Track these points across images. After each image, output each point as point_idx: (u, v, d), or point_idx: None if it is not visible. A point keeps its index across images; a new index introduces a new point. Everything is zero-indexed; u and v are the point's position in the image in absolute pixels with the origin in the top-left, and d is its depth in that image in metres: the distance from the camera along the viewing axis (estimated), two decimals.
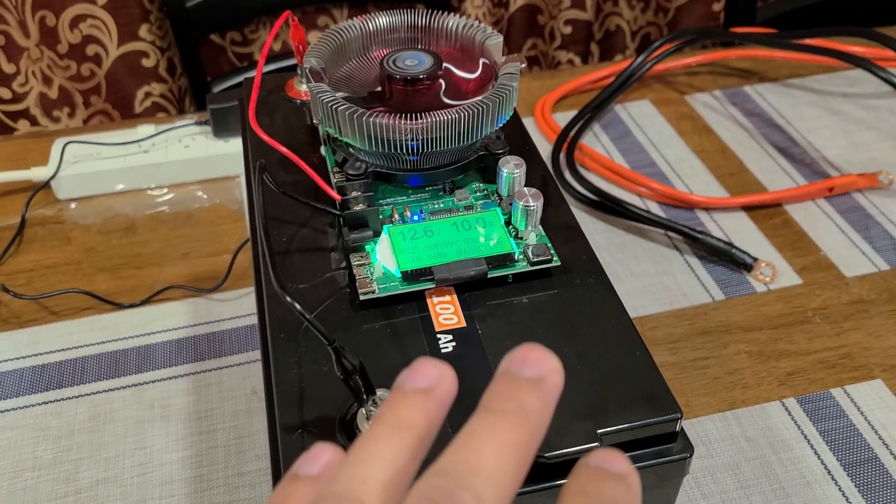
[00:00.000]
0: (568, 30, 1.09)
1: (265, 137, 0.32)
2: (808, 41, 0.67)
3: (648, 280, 0.55)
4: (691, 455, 0.28)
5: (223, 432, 0.46)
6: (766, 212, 0.60)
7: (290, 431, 0.26)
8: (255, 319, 0.52)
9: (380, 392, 0.26)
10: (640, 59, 0.69)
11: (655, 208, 0.60)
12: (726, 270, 0.55)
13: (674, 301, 0.53)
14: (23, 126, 0.94)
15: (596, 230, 0.59)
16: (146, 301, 0.53)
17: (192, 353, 0.51)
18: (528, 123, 0.69)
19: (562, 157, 0.64)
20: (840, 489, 0.43)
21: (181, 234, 0.59)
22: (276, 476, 0.26)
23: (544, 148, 0.66)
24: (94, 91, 0.97)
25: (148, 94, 1.01)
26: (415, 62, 0.33)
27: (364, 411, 0.26)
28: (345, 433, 0.26)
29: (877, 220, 0.59)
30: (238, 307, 0.54)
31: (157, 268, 0.56)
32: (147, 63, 0.98)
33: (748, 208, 0.60)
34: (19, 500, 0.43)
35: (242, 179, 0.64)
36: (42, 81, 0.92)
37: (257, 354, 0.51)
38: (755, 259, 0.55)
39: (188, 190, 0.63)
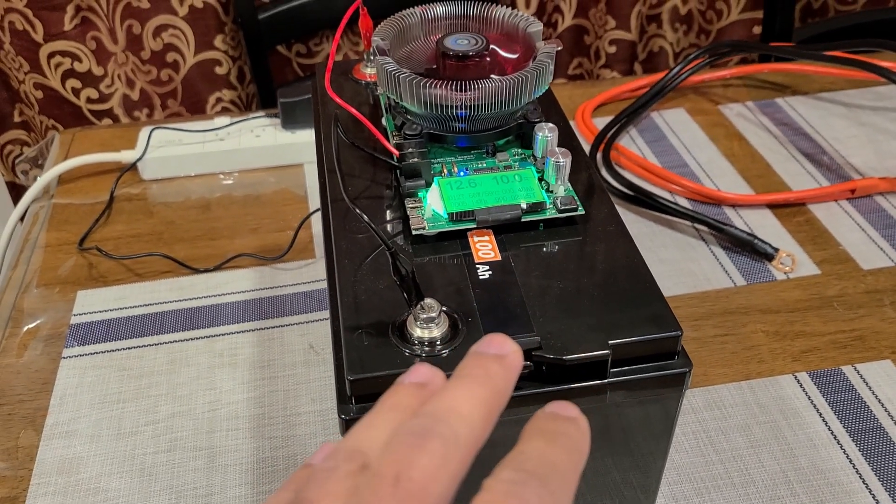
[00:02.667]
0: (612, 49, 1.14)
1: (337, 99, 0.38)
2: (837, 53, 0.71)
3: (675, 266, 0.59)
4: (690, 370, 0.32)
5: (283, 379, 0.52)
6: (790, 210, 0.64)
7: (351, 331, 0.32)
8: (313, 287, 0.58)
9: (427, 300, 0.31)
10: (676, 69, 0.74)
11: (685, 203, 0.65)
12: (749, 260, 0.59)
13: (697, 285, 0.58)
14: (106, 124, 1.03)
15: (628, 221, 0.63)
16: (219, 267, 0.60)
17: (257, 312, 0.57)
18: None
19: (599, 155, 0.69)
20: (845, 452, 0.47)
21: (250, 212, 0.66)
22: (339, 368, 0.31)
23: (585, 148, 0.71)
24: (171, 95, 1.05)
25: (219, 100, 1.09)
26: (465, 42, 0.39)
27: (413, 316, 0.31)
28: (398, 335, 0.32)
29: None
30: (299, 275, 0.59)
31: (229, 240, 0.63)
32: (220, 71, 1.06)
33: (773, 206, 0.64)
34: (105, 427, 0.49)
35: (306, 167, 0.70)
36: (126, 84, 1.01)
37: (315, 315, 0.56)
38: (776, 249, 0.59)
39: (258, 175, 0.70)
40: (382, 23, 0.40)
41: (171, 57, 1.03)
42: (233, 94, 1.10)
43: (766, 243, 0.59)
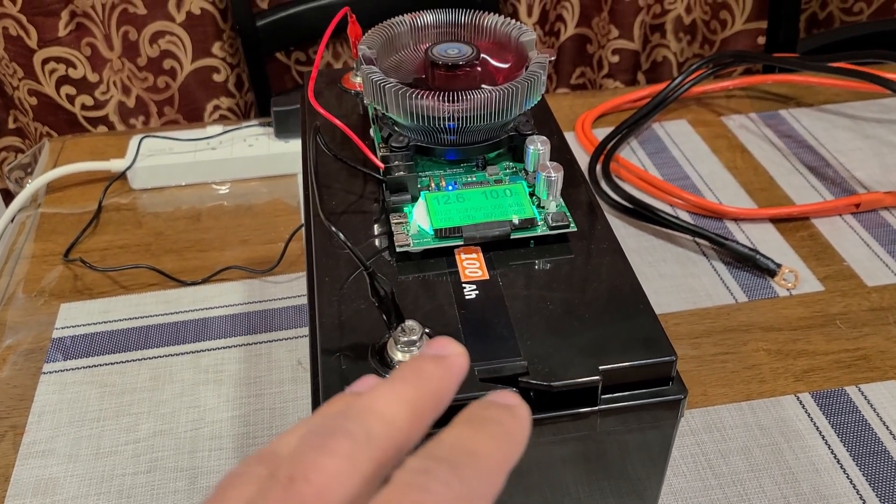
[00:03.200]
0: (615, 59, 1.13)
1: (320, 110, 0.36)
2: (841, 64, 0.70)
3: (675, 281, 0.58)
4: (685, 396, 0.31)
5: (269, 397, 0.50)
6: (794, 224, 0.63)
7: (328, 354, 0.30)
8: (303, 301, 0.57)
9: (408, 322, 0.30)
10: (678, 79, 0.72)
11: (686, 217, 0.63)
12: (750, 276, 0.58)
13: (698, 301, 0.56)
14: (101, 131, 1.02)
15: (628, 234, 0.62)
16: (207, 279, 0.58)
17: (245, 326, 0.55)
18: (570, 137, 0.73)
19: (598, 167, 0.67)
20: (848, 477, 0.45)
21: (241, 223, 0.64)
22: (316, 392, 0.30)
23: (582, 160, 0.70)
24: (167, 102, 1.04)
25: (217, 108, 1.08)
26: (455, 51, 0.37)
27: (393, 339, 0.30)
28: (377, 359, 0.30)
29: None
30: (289, 289, 0.58)
31: (218, 252, 0.61)
32: (217, 78, 1.05)
33: (776, 220, 0.63)
34: (84, 446, 0.48)
35: (299, 177, 0.69)
36: (121, 91, 1.00)
37: (304, 331, 0.55)
38: (779, 265, 0.57)
39: (250, 185, 0.68)
40: (370, 31, 0.39)
41: (168, 64, 1.02)
42: (231, 101, 1.08)
43: (768, 259, 0.57)
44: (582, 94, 0.80)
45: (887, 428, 0.47)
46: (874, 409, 0.49)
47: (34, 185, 0.66)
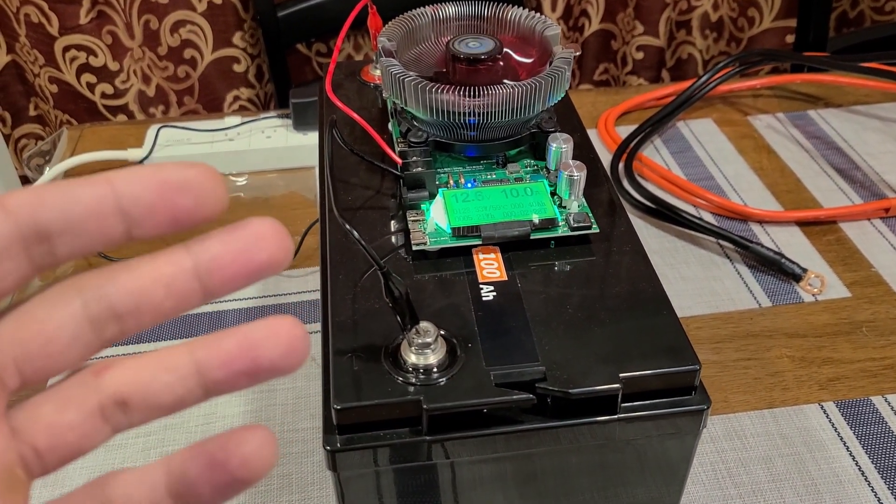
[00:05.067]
0: (640, 55, 1.11)
1: (338, 103, 0.35)
2: (872, 65, 0.68)
3: (697, 284, 0.56)
4: (708, 407, 0.30)
5: (282, 392, 0.50)
6: (821, 228, 0.61)
7: (340, 355, 0.29)
8: (318, 295, 0.56)
9: (423, 323, 0.29)
10: (704, 77, 0.71)
11: (710, 219, 0.62)
12: (775, 280, 0.56)
13: (720, 305, 0.55)
14: (121, 120, 1.01)
15: (649, 235, 0.61)
16: None
17: None
18: (592, 135, 0.72)
19: (621, 166, 0.66)
20: (873, 490, 0.44)
21: (258, 215, 0.63)
22: (326, 393, 0.29)
23: (604, 158, 0.68)
24: (187, 92, 1.04)
25: (236, 98, 1.07)
26: (477, 45, 0.36)
27: (407, 340, 0.29)
28: (390, 360, 0.29)
29: None
30: (304, 283, 0.57)
31: None
32: (238, 68, 1.05)
33: (802, 223, 0.61)
34: None
35: (317, 171, 0.68)
36: (142, 80, 1.00)
37: (318, 326, 0.54)
38: (805, 270, 0.56)
39: (267, 177, 0.68)
40: (390, 22, 0.38)
41: (188, 53, 1.01)
42: (250, 92, 1.08)
43: (793, 263, 0.56)
44: (605, 91, 0.78)
45: None
46: None
47: (51, 172, 0.66)
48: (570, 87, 1.14)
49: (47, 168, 0.69)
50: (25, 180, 1.07)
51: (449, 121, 0.35)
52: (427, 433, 0.28)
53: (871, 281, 0.56)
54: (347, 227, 0.27)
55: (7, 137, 1.03)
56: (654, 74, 1.14)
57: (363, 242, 0.27)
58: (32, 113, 1.03)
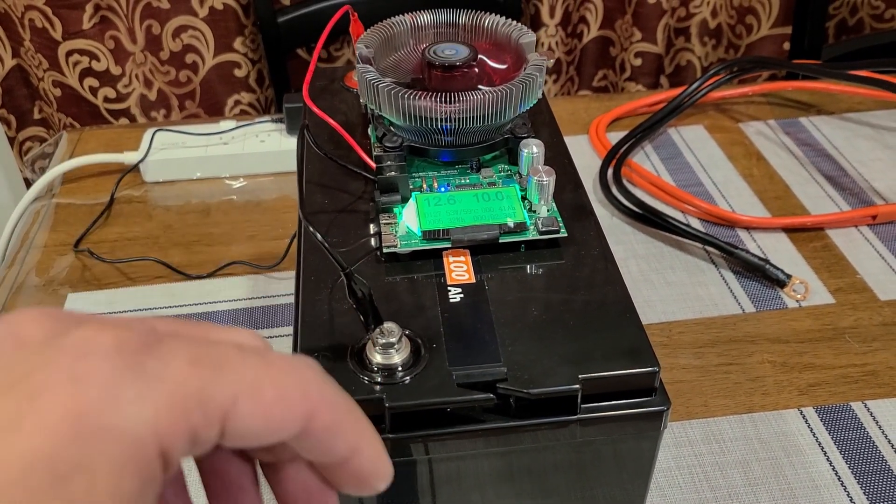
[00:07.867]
0: (638, 62, 1.12)
1: (314, 108, 0.36)
2: (863, 72, 0.68)
3: (682, 289, 0.57)
4: (668, 408, 0.30)
5: None
6: (808, 235, 0.61)
7: (308, 354, 0.30)
8: None
9: (387, 324, 0.30)
10: (695, 84, 0.71)
11: (697, 224, 0.62)
12: (760, 286, 0.57)
13: (704, 310, 0.55)
14: (123, 123, 1.03)
15: (636, 240, 0.61)
16: (212, 274, 0.59)
17: (248, 322, 0.55)
18: (583, 141, 0.72)
19: (610, 171, 0.67)
20: (849, 495, 0.44)
21: (250, 218, 0.64)
22: None
23: (596, 164, 0.69)
24: (189, 96, 1.05)
25: (237, 103, 1.08)
26: (453, 52, 0.37)
27: (372, 340, 0.30)
28: (356, 360, 0.30)
29: None
30: (292, 285, 0.58)
31: (225, 246, 0.62)
32: (239, 73, 1.06)
33: (789, 230, 0.61)
34: None
35: None
36: (143, 84, 1.01)
37: None
38: (789, 276, 0.56)
39: (260, 181, 0.69)
40: (369, 30, 0.39)
41: (189, 58, 1.02)
42: (251, 96, 1.09)
43: (778, 269, 0.56)
44: (599, 97, 0.79)
45: (891, 445, 0.46)
46: (879, 426, 0.47)
47: (49, 175, 0.67)
48: (569, 94, 1.14)
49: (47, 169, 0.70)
50: (29, 183, 1.09)
51: (422, 126, 0.35)
52: (390, 431, 0.29)
53: (855, 287, 0.57)
54: (311, 228, 0.28)
55: (12, 140, 1.05)
56: (653, 81, 1.15)
57: (326, 244, 0.28)
58: (37, 116, 1.04)
